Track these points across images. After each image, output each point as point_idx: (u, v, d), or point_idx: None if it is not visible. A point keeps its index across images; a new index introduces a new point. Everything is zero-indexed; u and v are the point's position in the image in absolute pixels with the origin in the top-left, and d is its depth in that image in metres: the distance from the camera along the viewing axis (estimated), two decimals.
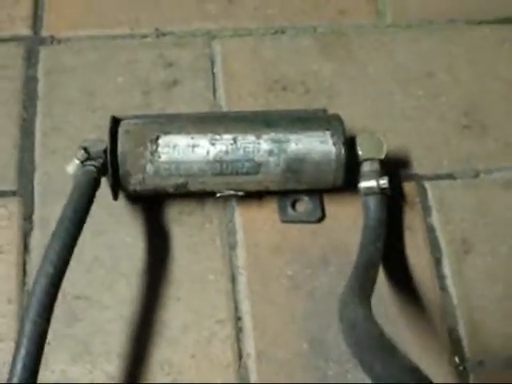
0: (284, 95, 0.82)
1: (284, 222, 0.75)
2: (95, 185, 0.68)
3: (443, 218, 0.76)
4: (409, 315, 0.71)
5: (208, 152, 0.69)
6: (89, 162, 0.69)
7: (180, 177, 0.70)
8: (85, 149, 0.69)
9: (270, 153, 0.70)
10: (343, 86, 0.83)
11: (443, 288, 0.73)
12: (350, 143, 0.72)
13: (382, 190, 0.71)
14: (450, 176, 0.79)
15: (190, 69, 0.83)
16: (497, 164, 0.80)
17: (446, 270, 0.73)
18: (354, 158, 0.72)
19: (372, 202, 0.72)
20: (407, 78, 0.84)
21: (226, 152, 0.69)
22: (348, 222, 0.75)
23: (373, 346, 0.53)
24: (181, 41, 0.85)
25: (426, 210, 0.76)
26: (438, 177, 0.78)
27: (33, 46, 0.84)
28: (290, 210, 0.75)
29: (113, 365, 0.68)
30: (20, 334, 0.58)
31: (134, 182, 0.70)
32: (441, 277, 0.73)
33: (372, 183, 0.71)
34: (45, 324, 0.58)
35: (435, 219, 0.76)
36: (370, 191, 0.71)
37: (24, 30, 0.85)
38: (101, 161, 0.69)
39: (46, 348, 0.66)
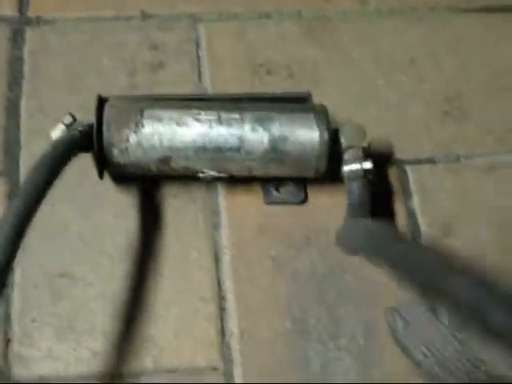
0: (268, 79, 0.83)
1: (268, 203, 0.76)
2: (75, 147, 0.67)
3: (423, 202, 0.77)
4: (388, 296, 0.72)
5: (191, 126, 0.70)
6: (74, 127, 0.68)
7: (162, 149, 0.70)
8: (71, 115, 0.69)
9: (253, 129, 0.70)
10: (327, 71, 0.84)
11: None
12: (333, 133, 0.72)
13: (366, 173, 0.71)
14: (431, 161, 0.80)
15: (176, 51, 0.84)
16: (477, 149, 0.81)
17: None
18: (337, 149, 0.73)
19: (355, 185, 0.71)
20: (390, 65, 0.85)
21: (210, 126, 0.70)
22: (330, 206, 0.76)
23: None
24: (166, 24, 0.86)
25: (407, 194, 0.78)
26: (419, 161, 0.79)
27: (19, 27, 0.84)
28: (273, 192, 0.76)
29: (97, 342, 0.69)
30: None
31: (117, 153, 0.70)
32: None
33: (356, 166, 0.71)
34: None
35: (416, 203, 0.77)
36: (353, 175, 0.71)
37: (10, 11, 0.85)
38: (86, 128, 0.69)
39: (31, 325, 0.68)
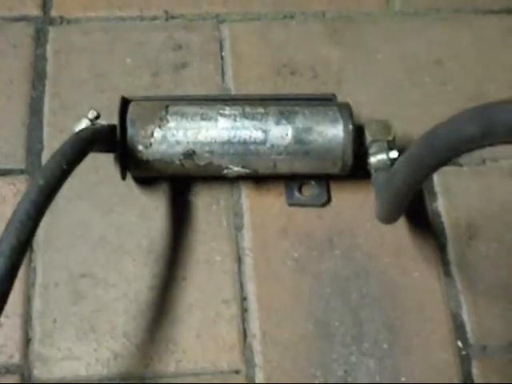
0: (292, 79, 0.82)
1: (290, 205, 0.75)
2: (97, 135, 0.67)
3: (448, 204, 0.76)
4: (413, 300, 0.71)
5: (216, 120, 0.70)
6: (98, 122, 0.69)
7: (187, 144, 0.70)
8: (96, 110, 0.69)
9: (278, 122, 0.70)
10: (351, 71, 0.84)
11: (447, 273, 0.73)
12: (358, 129, 0.72)
13: (392, 163, 0.70)
14: (456, 163, 0.79)
15: (199, 52, 0.84)
16: (503, 152, 0.80)
17: (451, 255, 0.74)
18: (362, 145, 0.72)
19: (383, 177, 0.70)
20: (415, 66, 0.85)
21: (235, 120, 0.70)
22: (353, 207, 0.75)
23: None
24: (190, 24, 0.85)
25: (432, 196, 0.77)
26: None
27: (42, 26, 0.84)
28: (296, 194, 0.75)
29: (118, 343, 0.69)
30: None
31: (141, 149, 0.70)
32: (445, 262, 0.73)
33: (382, 156, 0.71)
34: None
35: (440, 205, 0.76)
36: (380, 165, 0.71)
37: (34, 10, 0.85)
38: (110, 124, 0.69)
39: (52, 326, 0.68)
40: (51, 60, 0.82)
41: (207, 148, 0.70)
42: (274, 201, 0.75)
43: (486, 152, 0.79)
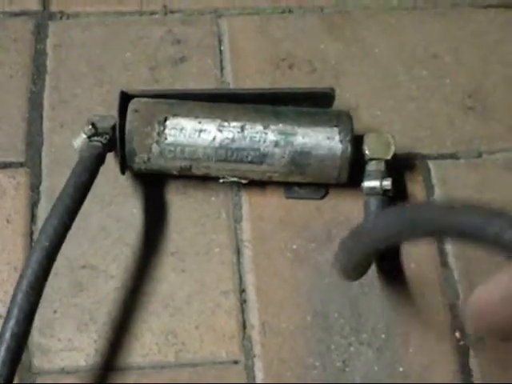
0: (290, 73, 0.83)
1: (288, 198, 0.76)
2: (99, 161, 0.69)
3: (445, 195, 0.77)
4: (410, 290, 0.72)
5: (214, 138, 0.70)
6: (95, 138, 0.70)
7: (184, 160, 0.71)
8: (93, 124, 0.69)
9: (276, 144, 0.70)
10: (349, 65, 0.84)
11: (445, 264, 0.73)
12: (357, 141, 0.72)
13: (384, 192, 0.72)
14: (453, 156, 0.79)
15: (198, 46, 0.84)
16: (499, 145, 0.80)
17: (448, 246, 0.74)
18: (360, 157, 0.73)
19: (373, 203, 0.72)
20: (412, 60, 0.85)
21: (233, 139, 0.70)
22: (351, 200, 0.76)
23: None
24: (189, 18, 0.86)
25: (429, 189, 0.77)
26: (442, 156, 0.79)
27: (42, 21, 0.85)
28: (294, 187, 0.76)
29: (118, 334, 0.69)
30: (11, 303, 0.59)
31: (139, 161, 0.71)
32: (442, 253, 0.74)
33: (375, 183, 0.72)
34: (36, 296, 0.59)
35: (438, 197, 0.77)
36: (372, 191, 0.72)
37: (34, 5, 0.86)
38: (107, 137, 0.70)
39: (53, 316, 0.69)
40: (51, 54, 0.82)
41: (204, 164, 0.71)
42: (272, 193, 0.76)
43: (483, 145, 0.80)
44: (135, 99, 0.72)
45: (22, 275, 0.60)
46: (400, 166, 0.77)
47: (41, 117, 0.79)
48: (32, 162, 0.76)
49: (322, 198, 0.76)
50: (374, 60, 0.85)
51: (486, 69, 0.85)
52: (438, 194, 0.77)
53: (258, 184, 0.75)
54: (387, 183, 0.71)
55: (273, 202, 0.75)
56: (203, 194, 0.75)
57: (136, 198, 0.75)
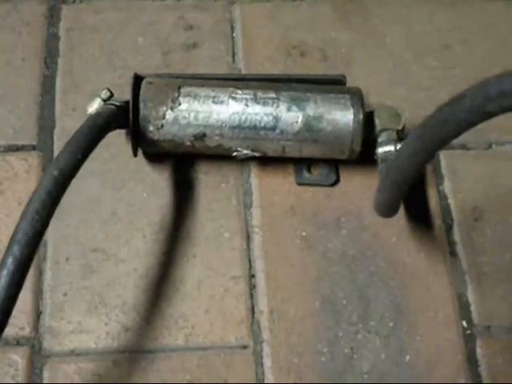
0: (302, 61, 0.83)
1: (299, 184, 0.76)
2: (112, 119, 0.68)
3: (455, 186, 0.77)
4: (419, 280, 0.72)
5: (228, 104, 0.70)
6: (111, 102, 0.70)
7: (198, 127, 0.71)
8: (109, 90, 0.70)
9: (289, 108, 0.71)
10: (360, 54, 0.84)
11: (453, 253, 0.74)
12: (368, 116, 0.73)
13: None
14: (463, 146, 0.80)
15: (210, 32, 0.84)
16: (509, 136, 0.81)
17: (457, 236, 0.75)
18: (371, 131, 0.73)
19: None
20: (423, 49, 0.85)
21: (246, 104, 0.70)
22: (362, 188, 0.76)
23: None
24: (201, 4, 0.86)
25: (439, 179, 0.78)
26: (452, 147, 0.79)
27: (55, 5, 0.85)
28: (305, 173, 0.76)
29: (128, 317, 0.69)
30: (16, 228, 0.57)
31: (153, 129, 0.71)
32: (451, 243, 0.74)
33: (389, 148, 0.71)
34: (42, 223, 0.57)
35: (447, 187, 0.77)
36: (387, 156, 0.71)
37: None
38: (123, 104, 0.70)
39: (63, 299, 0.69)
40: (64, 38, 0.83)
41: (217, 131, 0.71)
42: (282, 180, 0.76)
43: (493, 136, 0.80)
44: (149, 77, 0.73)
45: (30, 201, 0.58)
46: None
47: (53, 100, 0.79)
48: (44, 145, 0.77)
49: (333, 184, 0.76)
50: (385, 49, 0.85)
51: (495, 60, 0.85)
52: (448, 184, 0.77)
53: (269, 169, 0.76)
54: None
55: (283, 189, 0.76)
56: (214, 180, 0.76)
57: (147, 183, 0.75)
